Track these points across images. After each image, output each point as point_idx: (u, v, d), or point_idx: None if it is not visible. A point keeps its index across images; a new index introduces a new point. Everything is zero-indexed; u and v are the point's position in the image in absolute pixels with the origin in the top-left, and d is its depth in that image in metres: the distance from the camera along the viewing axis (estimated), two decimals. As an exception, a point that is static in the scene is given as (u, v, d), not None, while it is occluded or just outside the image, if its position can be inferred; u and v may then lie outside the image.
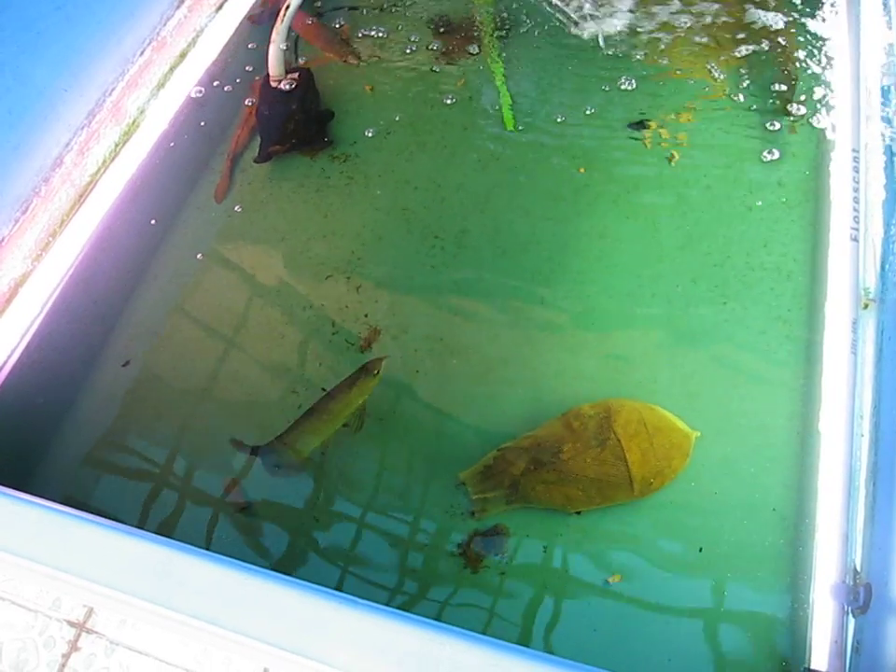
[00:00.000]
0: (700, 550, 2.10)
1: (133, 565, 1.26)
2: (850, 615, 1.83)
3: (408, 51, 3.17)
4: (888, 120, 2.47)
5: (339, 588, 2.14)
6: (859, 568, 1.85)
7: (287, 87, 2.98)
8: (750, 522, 2.12)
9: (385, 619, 1.16)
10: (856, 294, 2.24)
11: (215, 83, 3.15)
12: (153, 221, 2.79)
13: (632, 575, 2.09)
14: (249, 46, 3.26)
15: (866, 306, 2.20)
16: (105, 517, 2.25)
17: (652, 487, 2.13)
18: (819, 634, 1.87)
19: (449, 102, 3.00)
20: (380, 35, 3.24)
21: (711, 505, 2.16)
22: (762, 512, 2.13)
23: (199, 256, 2.76)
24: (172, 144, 2.98)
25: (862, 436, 2.00)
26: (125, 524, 2.22)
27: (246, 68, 3.19)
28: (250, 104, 3.07)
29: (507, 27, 3.20)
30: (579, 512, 2.16)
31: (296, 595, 1.19)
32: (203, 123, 3.05)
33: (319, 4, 3.39)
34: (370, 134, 2.97)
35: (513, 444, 2.22)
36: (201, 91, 3.11)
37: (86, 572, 1.24)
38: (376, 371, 2.33)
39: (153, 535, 1.36)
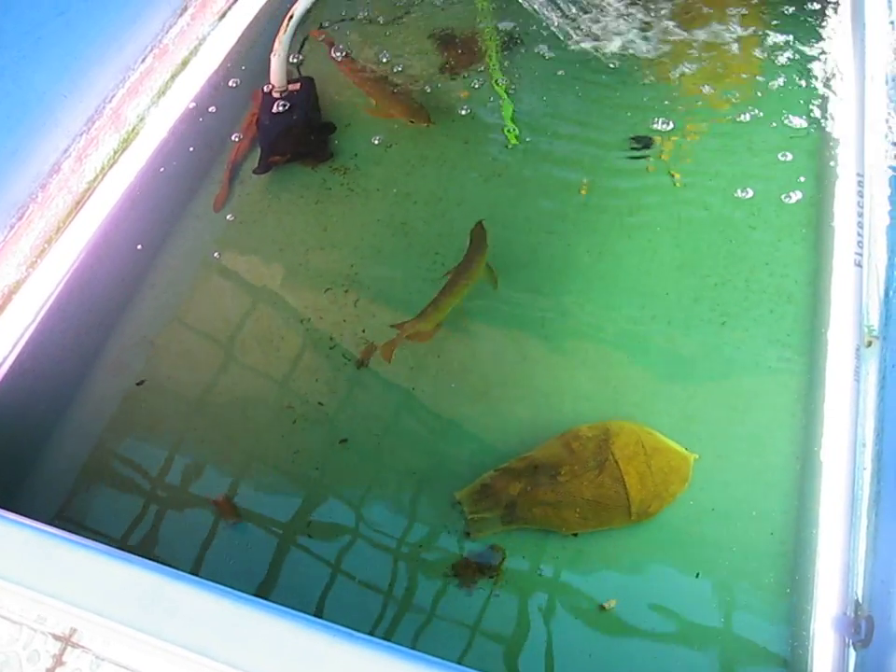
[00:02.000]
0: (697, 575, 2.08)
1: (121, 591, 1.22)
2: (852, 648, 1.80)
3: (411, 65, 3.16)
4: (892, 149, 2.46)
5: (328, 606, 2.11)
6: (860, 600, 1.83)
7: (281, 108, 2.95)
8: (749, 548, 2.10)
9: (381, 653, 1.13)
10: (860, 319, 2.21)
11: (216, 92, 3.13)
12: (139, 246, 2.75)
13: (627, 600, 2.07)
14: (251, 55, 3.24)
15: (870, 344, 2.17)
16: (96, 529, 2.26)
17: (650, 512, 2.11)
18: (819, 667, 1.84)
19: (451, 116, 2.98)
20: (383, 47, 3.22)
21: (709, 529, 2.14)
22: (760, 538, 2.10)
23: (200, 262, 2.74)
24: (170, 152, 2.95)
25: (865, 469, 1.98)
26: (115, 535, 2.24)
27: (248, 78, 3.17)
28: (237, 136, 3.04)
29: (510, 41, 3.19)
30: (575, 534, 2.14)
31: (289, 626, 1.16)
32: (202, 132, 3.03)
33: (325, 23, 3.37)
34: (370, 147, 2.95)
35: (510, 464, 2.20)
36: (201, 100, 3.09)
37: (71, 598, 1.21)
38: (484, 232, 2.58)
39: (141, 559, 1.32)
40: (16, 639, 1.74)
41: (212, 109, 3.08)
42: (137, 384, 2.51)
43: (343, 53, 3.16)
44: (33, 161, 2.52)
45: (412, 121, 2.94)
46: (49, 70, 2.47)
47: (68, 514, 2.32)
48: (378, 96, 3.06)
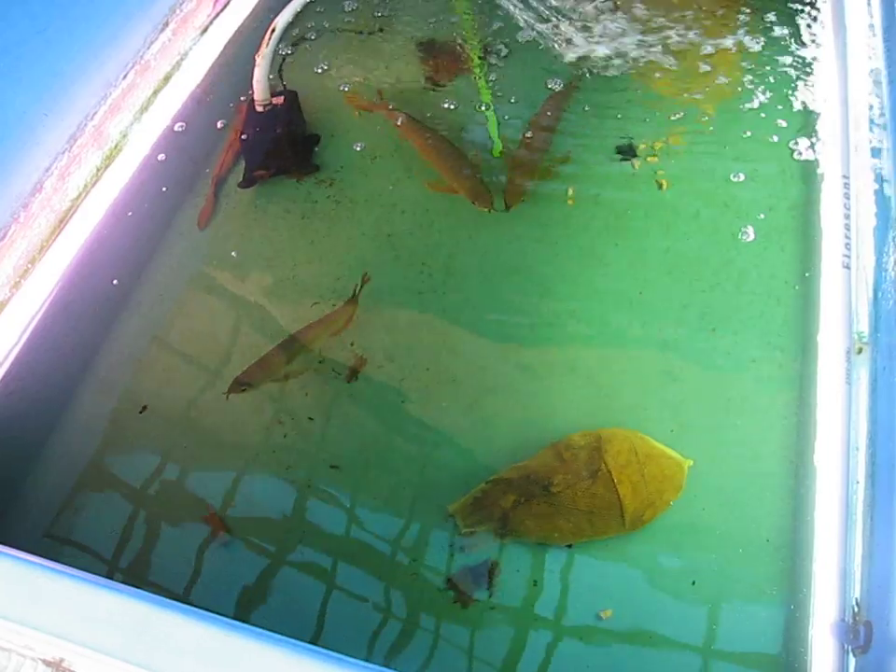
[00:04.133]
0: (693, 583, 2.06)
1: (108, 621, 1.20)
2: (851, 654, 1.79)
3: (396, 76, 3.15)
4: (877, 151, 2.47)
5: (321, 623, 2.09)
6: (858, 605, 1.82)
7: (265, 122, 2.92)
8: (744, 554, 2.09)
9: (374, 678, 1.11)
10: (849, 322, 2.21)
11: (199, 106, 3.11)
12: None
13: (624, 610, 2.05)
14: (234, 69, 3.23)
15: (860, 351, 2.17)
16: (85, 548, 2.23)
17: (644, 520, 2.10)
18: (818, 674, 1.83)
19: (436, 126, 2.97)
20: (368, 60, 3.21)
21: (704, 536, 2.13)
22: (756, 544, 2.09)
23: (186, 279, 2.72)
24: (154, 168, 2.93)
25: (859, 472, 1.97)
26: (105, 554, 2.21)
27: (231, 92, 3.16)
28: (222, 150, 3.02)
29: (493, 50, 3.19)
30: (570, 546, 2.12)
31: (279, 653, 1.14)
32: (186, 147, 3.01)
33: (310, 26, 3.36)
34: (356, 159, 2.94)
35: (503, 475, 2.18)
36: (184, 115, 3.08)
37: (58, 630, 1.19)
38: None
39: (128, 587, 1.30)
40: (5, 667, 1.71)
41: (195, 124, 3.07)
42: (140, 411, 2.47)
43: (404, 117, 3.00)
44: (14, 181, 2.50)
45: (473, 202, 2.74)
46: (29, 89, 2.45)
47: (57, 534, 2.29)
48: (442, 168, 2.85)
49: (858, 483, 1.96)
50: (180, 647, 1.15)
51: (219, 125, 3.08)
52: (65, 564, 1.39)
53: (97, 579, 1.31)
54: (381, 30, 3.33)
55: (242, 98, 3.11)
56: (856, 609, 1.82)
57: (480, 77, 3.10)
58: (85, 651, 1.17)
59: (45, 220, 2.63)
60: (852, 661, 1.78)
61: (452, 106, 3.04)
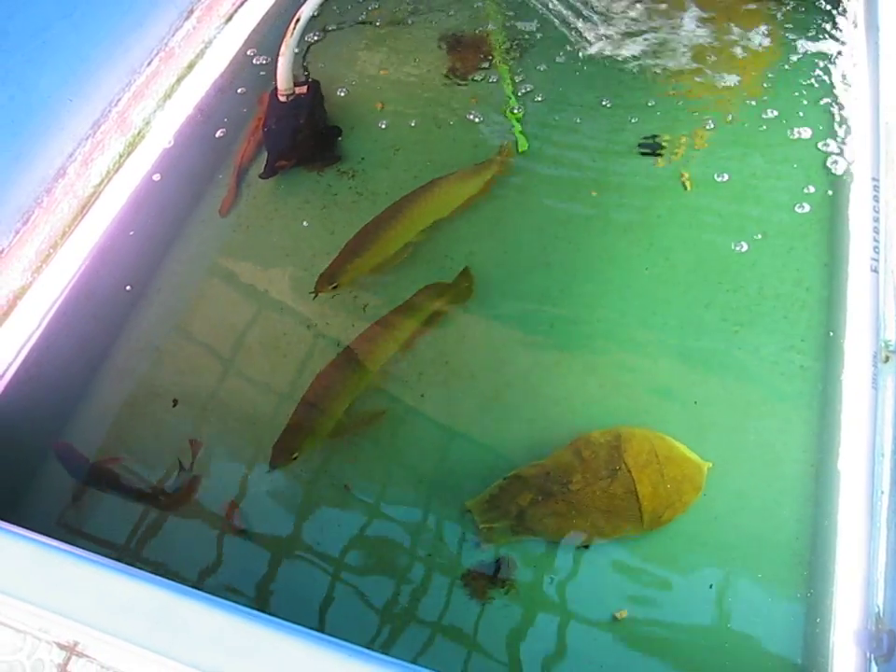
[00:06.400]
0: (711, 586, 2.04)
1: (125, 607, 1.19)
2: (873, 663, 1.76)
3: (419, 69, 3.13)
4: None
5: (335, 617, 2.08)
6: (882, 613, 1.79)
7: (287, 112, 2.91)
8: (764, 558, 2.06)
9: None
10: (876, 326, 2.18)
11: (222, 95, 3.11)
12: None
13: (640, 611, 2.03)
14: (258, 58, 3.22)
15: (887, 359, 2.13)
16: (99, 536, 2.24)
17: (662, 520, 2.08)
18: (839, 683, 1.81)
19: (459, 120, 2.96)
20: (391, 51, 3.20)
21: (722, 539, 2.11)
22: (776, 549, 2.07)
23: (206, 267, 2.72)
24: (177, 156, 2.93)
25: (883, 491, 1.94)
26: (119, 542, 2.21)
27: (254, 81, 3.16)
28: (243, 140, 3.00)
29: (519, 45, 3.16)
30: (587, 546, 2.10)
31: (302, 646, 1.13)
32: (208, 136, 3.01)
33: (335, 16, 3.35)
34: (378, 151, 2.93)
35: (521, 472, 2.17)
36: (207, 103, 3.07)
37: (74, 613, 1.18)
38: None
39: (150, 575, 1.30)
40: (20, 648, 1.71)
41: (218, 112, 3.07)
42: (172, 405, 2.47)
43: None
44: (38, 166, 2.50)
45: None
46: (54, 74, 2.46)
47: (71, 521, 2.30)
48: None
49: (883, 492, 1.93)
50: (198, 634, 1.14)
51: (242, 114, 3.08)
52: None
53: (114, 564, 1.31)
54: (405, 22, 3.32)
55: (264, 87, 3.10)
56: (879, 618, 1.79)
57: (504, 71, 3.08)
58: (101, 635, 1.17)
59: (67, 206, 2.63)
60: (874, 669, 1.76)
61: (475, 100, 3.02)
